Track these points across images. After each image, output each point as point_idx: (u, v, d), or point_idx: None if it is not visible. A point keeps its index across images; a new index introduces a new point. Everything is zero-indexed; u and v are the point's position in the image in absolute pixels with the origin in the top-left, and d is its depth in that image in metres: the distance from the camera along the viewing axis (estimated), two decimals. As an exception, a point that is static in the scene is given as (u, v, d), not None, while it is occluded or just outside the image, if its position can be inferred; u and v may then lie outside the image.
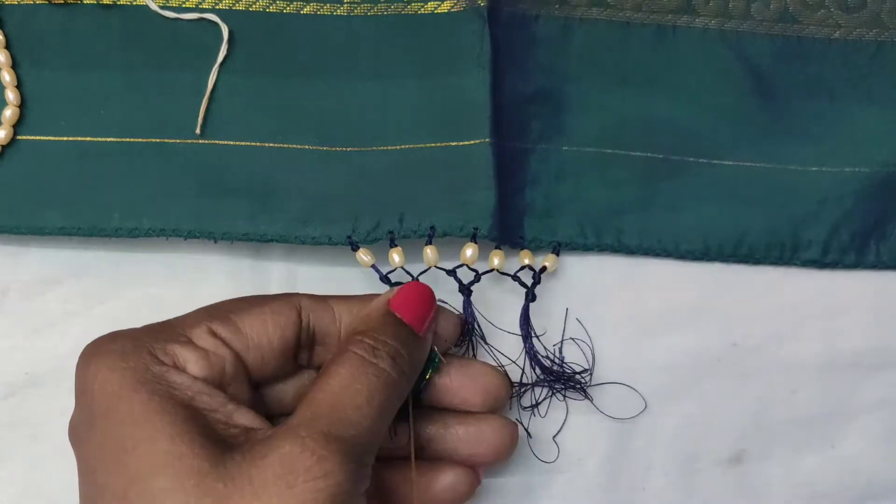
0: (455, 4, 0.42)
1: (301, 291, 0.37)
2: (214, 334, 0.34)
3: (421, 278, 0.40)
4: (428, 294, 0.37)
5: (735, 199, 0.43)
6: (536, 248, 0.42)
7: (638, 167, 0.43)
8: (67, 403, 0.33)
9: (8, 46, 0.41)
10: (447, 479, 0.38)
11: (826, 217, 0.43)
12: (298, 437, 0.30)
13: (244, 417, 0.33)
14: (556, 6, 0.43)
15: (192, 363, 0.33)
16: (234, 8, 0.42)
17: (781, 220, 0.43)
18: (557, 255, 0.42)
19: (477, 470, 0.39)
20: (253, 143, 0.41)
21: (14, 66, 0.41)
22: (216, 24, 0.41)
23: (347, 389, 0.33)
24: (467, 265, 0.41)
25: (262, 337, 0.34)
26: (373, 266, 0.40)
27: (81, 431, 0.32)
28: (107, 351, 0.32)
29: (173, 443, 0.30)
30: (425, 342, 0.37)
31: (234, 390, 0.34)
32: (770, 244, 0.43)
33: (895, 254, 0.44)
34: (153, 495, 0.29)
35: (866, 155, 0.44)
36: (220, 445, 0.31)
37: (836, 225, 0.43)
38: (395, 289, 0.38)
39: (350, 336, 0.35)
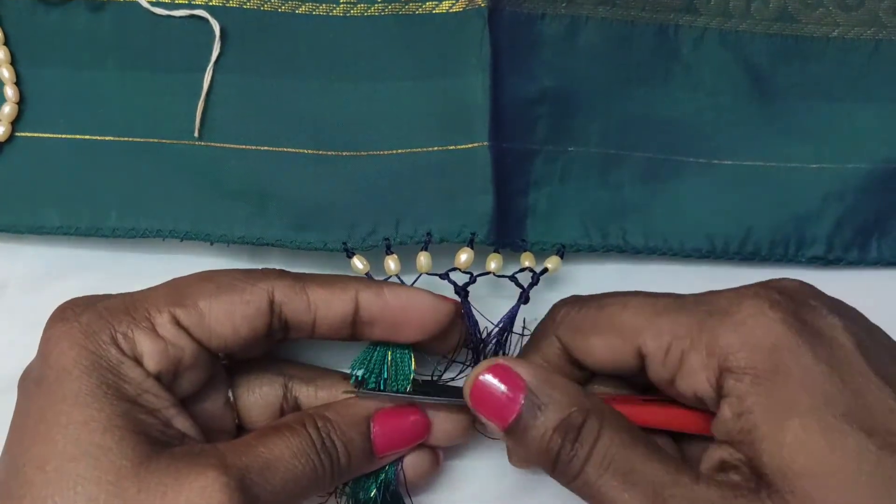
0: (454, 4, 0.42)
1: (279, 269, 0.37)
2: (178, 323, 0.34)
3: (416, 284, 0.39)
4: (416, 434, 0.38)
5: (738, 197, 0.43)
6: (539, 251, 0.42)
7: (640, 168, 0.43)
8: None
9: (7, 43, 0.41)
10: (408, 459, 0.38)
11: (828, 214, 0.43)
12: (224, 478, 0.31)
13: (182, 424, 0.34)
14: (563, 4, 0.43)
15: (149, 356, 0.33)
16: (227, 5, 0.42)
17: (784, 217, 0.43)
18: (562, 257, 0.42)
19: (437, 451, 0.39)
20: (248, 147, 0.41)
21: (13, 62, 0.41)
22: (209, 21, 0.41)
23: (287, 461, 0.34)
24: (460, 269, 0.40)
25: (228, 328, 0.35)
26: (367, 274, 0.40)
27: (30, 384, 0.33)
28: (73, 322, 0.33)
29: (104, 435, 0.31)
30: (376, 464, 0.38)
31: (189, 378, 0.35)
32: (774, 241, 0.43)
33: None
34: (69, 478, 0.30)
35: (866, 152, 0.44)
36: (150, 446, 0.32)
37: (838, 222, 0.43)
38: (389, 405, 0.37)
39: (317, 412, 0.36)
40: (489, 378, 0.34)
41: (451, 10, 0.42)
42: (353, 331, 0.37)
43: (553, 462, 0.33)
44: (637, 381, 0.37)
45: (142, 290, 0.35)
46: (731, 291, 0.34)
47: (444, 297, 0.38)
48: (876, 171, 0.44)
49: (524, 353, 0.39)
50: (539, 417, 0.33)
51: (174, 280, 0.36)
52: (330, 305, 0.36)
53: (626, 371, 0.36)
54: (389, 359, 0.38)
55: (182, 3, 0.41)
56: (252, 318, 0.35)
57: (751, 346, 0.32)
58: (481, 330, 0.40)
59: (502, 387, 0.34)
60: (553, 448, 0.33)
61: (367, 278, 0.39)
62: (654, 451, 0.32)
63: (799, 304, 0.33)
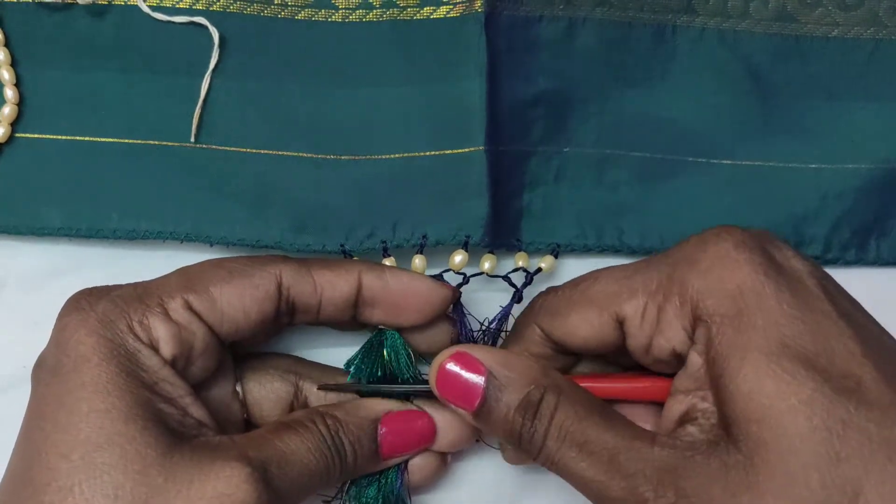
0: (451, 10, 0.41)
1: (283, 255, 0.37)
2: (190, 308, 0.34)
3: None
4: (423, 438, 0.38)
5: (735, 197, 0.43)
6: (534, 251, 0.42)
7: (637, 167, 0.43)
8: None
9: (7, 45, 0.41)
10: (415, 461, 0.39)
11: (827, 214, 0.43)
12: (248, 468, 0.32)
13: (198, 412, 0.34)
14: (561, 6, 0.42)
15: (165, 341, 0.34)
16: (228, 10, 0.42)
17: (782, 217, 0.43)
18: (556, 257, 0.42)
19: (444, 454, 0.40)
20: (248, 150, 0.41)
21: (13, 64, 0.41)
22: (209, 28, 0.41)
23: (302, 455, 0.34)
24: (454, 270, 0.41)
25: (239, 311, 0.35)
26: None
27: (45, 373, 0.33)
28: (89, 311, 0.33)
29: (127, 424, 0.31)
30: (381, 465, 0.38)
31: (200, 365, 0.35)
32: None
33: (895, 250, 0.44)
34: (96, 466, 0.31)
35: (865, 152, 0.44)
36: (170, 435, 0.32)
37: (836, 222, 0.43)
38: (398, 407, 0.38)
39: (326, 411, 0.36)
40: (452, 366, 0.35)
41: (448, 16, 0.42)
42: (355, 312, 0.37)
43: (517, 440, 0.34)
44: (620, 361, 0.38)
45: (153, 279, 0.36)
46: (696, 237, 0.34)
47: (443, 283, 0.38)
48: (875, 171, 0.44)
49: (505, 346, 0.39)
50: (501, 399, 0.34)
51: (184, 268, 0.36)
52: (334, 286, 0.36)
53: (608, 346, 0.36)
54: (386, 355, 0.39)
55: (183, 9, 0.41)
56: (261, 301, 0.35)
57: (717, 291, 0.32)
58: (475, 327, 0.40)
59: (465, 373, 0.35)
60: (515, 427, 0.34)
61: (369, 261, 0.39)
62: (611, 419, 0.33)
63: (765, 240, 0.33)
